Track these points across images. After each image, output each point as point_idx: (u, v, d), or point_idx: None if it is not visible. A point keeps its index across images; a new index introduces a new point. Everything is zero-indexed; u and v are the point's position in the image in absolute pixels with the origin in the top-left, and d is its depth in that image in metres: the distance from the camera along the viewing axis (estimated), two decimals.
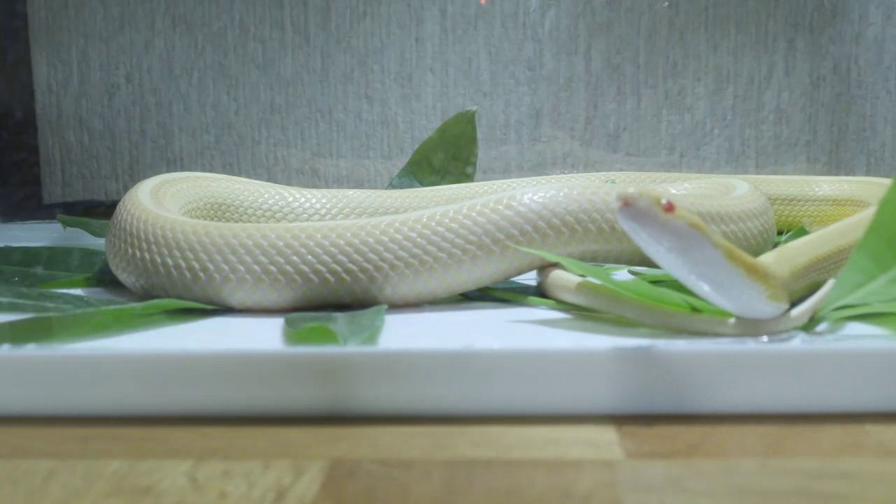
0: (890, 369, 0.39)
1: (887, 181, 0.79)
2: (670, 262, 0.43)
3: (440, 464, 0.35)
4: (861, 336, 0.48)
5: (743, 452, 0.35)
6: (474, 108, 0.94)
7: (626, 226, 0.41)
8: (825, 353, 0.39)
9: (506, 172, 1.07)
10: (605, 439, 0.37)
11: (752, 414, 0.39)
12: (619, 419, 0.39)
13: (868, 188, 0.83)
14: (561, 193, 0.57)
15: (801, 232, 0.73)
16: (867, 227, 0.49)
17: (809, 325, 0.49)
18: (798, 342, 0.46)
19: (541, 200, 0.57)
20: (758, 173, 1.06)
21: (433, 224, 0.56)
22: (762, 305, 0.44)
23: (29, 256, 0.70)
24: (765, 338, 0.47)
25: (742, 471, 0.34)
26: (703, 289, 0.43)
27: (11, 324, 0.50)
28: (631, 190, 0.40)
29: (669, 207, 0.40)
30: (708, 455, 0.35)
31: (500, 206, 0.57)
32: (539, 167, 1.07)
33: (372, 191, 0.80)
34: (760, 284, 0.43)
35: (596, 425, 0.38)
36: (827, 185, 0.86)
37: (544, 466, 0.34)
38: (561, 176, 0.90)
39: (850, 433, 0.37)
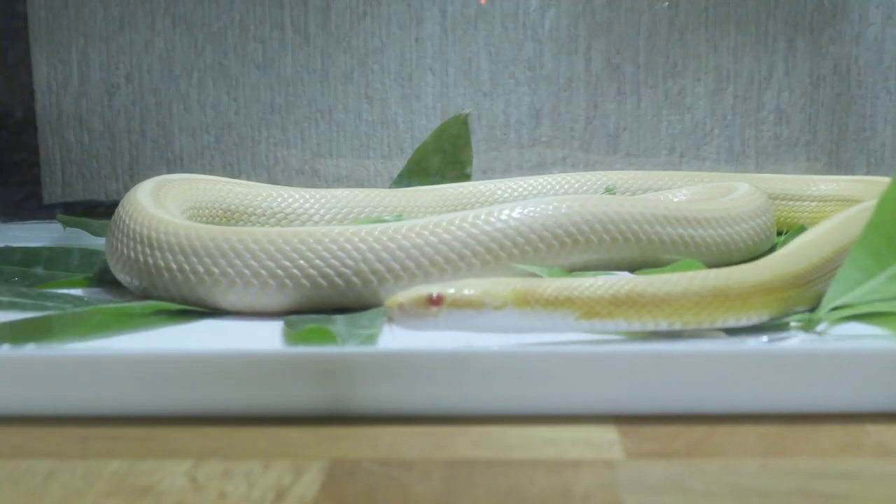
0: (890, 369, 0.39)
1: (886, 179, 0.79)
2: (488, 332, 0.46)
3: (440, 464, 0.35)
4: (861, 336, 0.48)
5: (743, 452, 0.35)
6: (467, 110, 0.94)
7: (407, 327, 0.44)
8: (825, 353, 0.39)
9: (506, 172, 1.07)
10: (605, 439, 0.37)
11: (752, 414, 0.39)
12: (619, 419, 0.39)
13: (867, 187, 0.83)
14: (551, 207, 0.59)
15: (801, 231, 0.73)
16: (866, 225, 0.49)
17: (809, 325, 0.49)
18: (798, 342, 0.47)
19: (531, 214, 0.58)
20: (758, 173, 1.06)
21: (426, 234, 0.56)
22: (579, 325, 0.45)
23: (29, 256, 0.70)
24: (765, 338, 0.47)
25: (742, 471, 0.34)
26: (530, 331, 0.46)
27: (11, 324, 0.50)
28: (399, 299, 0.43)
29: (437, 300, 0.43)
30: (708, 455, 0.35)
31: (494, 219, 0.57)
32: (539, 167, 1.07)
33: (372, 190, 0.80)
34: (565, 309, 0.45)
35: (596, 425, 0.38)
36: (825, 185, 0.86)
37: (544, 466, 0.34)
38: (561, 175, 0.90)
39: (850, 433, 0.37)
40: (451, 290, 0.44)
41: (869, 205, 0.58)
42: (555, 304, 0.45)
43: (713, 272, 0.47)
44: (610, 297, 0.45)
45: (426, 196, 0.82)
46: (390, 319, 0.44)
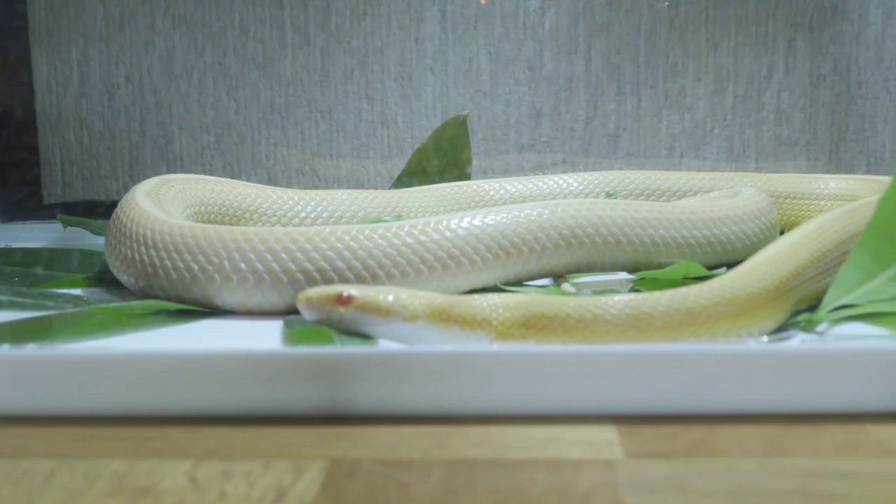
0: (890, 369, 0.39)
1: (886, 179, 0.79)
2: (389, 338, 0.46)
3: (440, 464, 0.35)
4: (861, 336, 0.48)
5: (743, 452, 0.35)
6: (466, 111, 0.94)
7: (313, 320, 0.46)
8: (825, 353, 0.39)
9: (506, 172, 1.07)
10: (605, 439, 0.37)
11: (752, 414, 0.39)
12: (619, 419, 0.39)
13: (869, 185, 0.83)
14: (535, 212, 0.60)
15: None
16: (867, 225, 0.49)
17: (810, 325, 0.49)
18: (798, 342, 0.47)
19: (520, 218, 0.60)
20: (758, 173, 1.06)
21: (415, 233, 0.56)
22: (495, 347, 0.44)
23: (29, 257, 0.70)
24: (765, 338, 0.47)
25: (742, 471, 0.34)
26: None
27: (11, 324, 0.50)
28: (309, 293, 0.45)
29: (346, 301, 0.44)
30: (708, 455, 0.35)
31: (487, 221, 0.58)
32: (539, 167, 1.07)
33: (371, 191, 0.80)
34: (480, 331, 0.44)
35: (596, 425, 0.38)
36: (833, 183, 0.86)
37: (544, 466, 0.34)
38: (562, 175, 0.90)
39: (850, 433, 0.37)
40: (360, 293, 0.44)
41: (837, 213, 0.57)
42: (472, 324, 0.44)
43: (641, 297, 0.44)
44: (523, 320, 0.44)
45: (425, 196, 0.82)
46: (303, 309, 0.45)
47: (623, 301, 0.44)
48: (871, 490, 0.32)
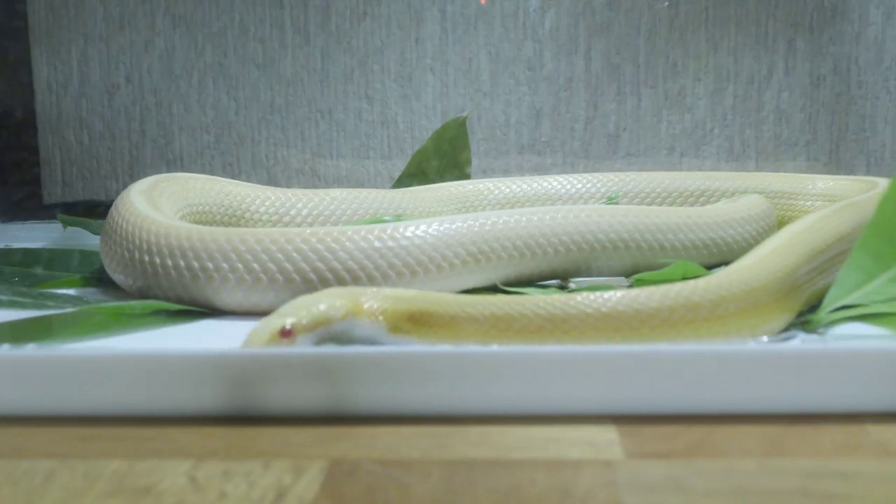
0: (890, 369, 0.39)
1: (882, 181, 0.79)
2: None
3: (440, 464, 0.35)
4: (861, 336, 0.48)
5: (743, 452, 0.35)
6: (465, 113, 0.94)
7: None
8: (825, 353, 0.39)
9: (506, 172, 1.07)
10: (605, 439, 0.37)
11: (752, 414, 0.39)
12: (619, 419, 0.39)
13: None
14: (547, 217, 0.61)
15: None
16: (867, 226, 0.49)
17: (810, 325, 0.49)
18: (798, 342, 0.47)
19: (523, 222, 0.60)
20: (753, 173, 1.06)
21: (409, 233, 0.57)
22: (390, 339, 0.45)
23: (29, 257, 0.70)
24: (765, 338, 0.47)
25: (742, 471, 0.34)
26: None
27: (11, 324, 0.50)
28: (252, 343, 0.42)
29: (289, 333, 0.43)
30: (708, 455, 0.35)
31: (483, 223, 0.59)
32: (539, 168, 1.07)
33: (369, 190, 0.80)
34: (379, 324, 0.45)
35: (596, 425, 0.38)
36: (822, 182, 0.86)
37: (544, 466, 0.34)
38: (563, 176, 0.90)
39: (850, 433, 0.37)
40: (296, 318, 0.43)
41: (813, 218, 0.55)
42: (373, 316, 0.45)
43: (515, 299, 0.44)
44: (409, 314, 0.45)
45: (425, 196, 0.82)
46: None
47: (491, 302, 0.44)
48: (871, 490, 0.32)
